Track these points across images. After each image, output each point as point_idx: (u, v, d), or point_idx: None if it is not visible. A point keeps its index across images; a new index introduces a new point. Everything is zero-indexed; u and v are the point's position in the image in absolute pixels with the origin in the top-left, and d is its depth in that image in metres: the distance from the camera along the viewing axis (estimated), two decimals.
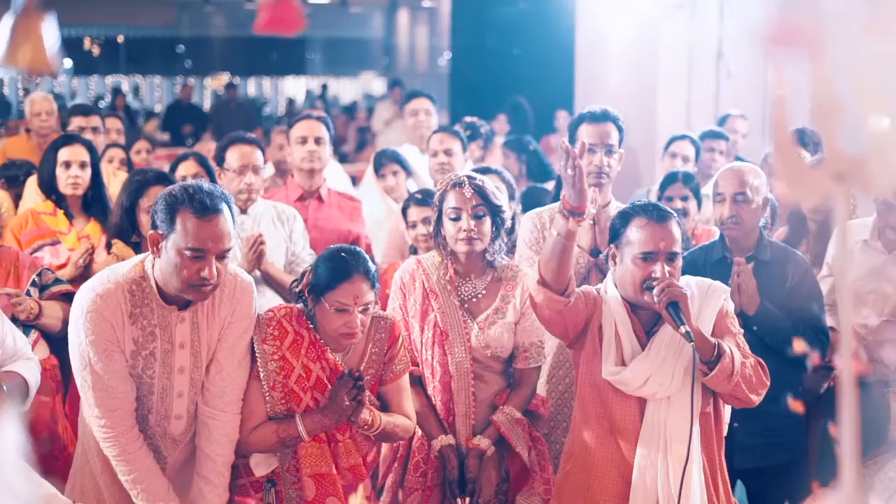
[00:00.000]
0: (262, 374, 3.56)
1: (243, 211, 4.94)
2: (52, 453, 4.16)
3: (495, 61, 15.22)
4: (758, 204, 4.26)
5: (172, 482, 3.50)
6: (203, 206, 3.24)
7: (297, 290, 3.67)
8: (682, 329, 3.31)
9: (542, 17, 13.50)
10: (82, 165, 5.16)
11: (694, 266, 4.28)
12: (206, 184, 3.37)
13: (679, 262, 3.50)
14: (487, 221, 3.92)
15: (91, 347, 3.30)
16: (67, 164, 5.14)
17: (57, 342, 4.27)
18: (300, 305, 3.66)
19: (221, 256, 3.30)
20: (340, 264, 3.53)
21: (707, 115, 9.54)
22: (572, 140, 4.32)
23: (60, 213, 5.13)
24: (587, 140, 4.26)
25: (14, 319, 4.20)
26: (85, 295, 3.34)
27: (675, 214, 3.57)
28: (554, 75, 12.92)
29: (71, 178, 5.13)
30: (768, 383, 3.49)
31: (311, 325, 3.61)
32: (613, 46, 11.10)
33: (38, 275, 4.33)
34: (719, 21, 9.53)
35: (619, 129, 4.35)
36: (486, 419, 3.93)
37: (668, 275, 3.41)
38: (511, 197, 4.94)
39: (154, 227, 3.33)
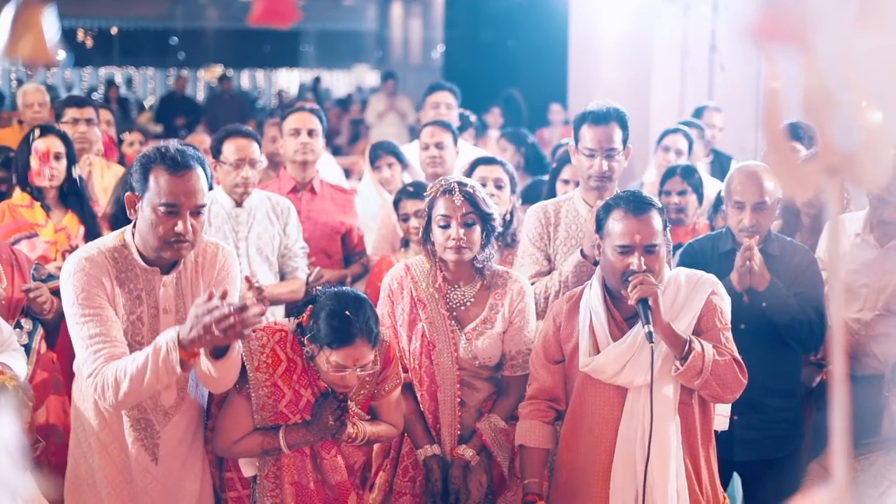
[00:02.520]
0: (252, 396, 3.55)
1: (239, 204, 4.93)
2: (66, 444, 4.16)
3: (489, 54, 15.22)
4: (773, 206, 4.26)
5: (164, 466, 3.49)
6: (175, 162, 3.31)
7: (296, 321, 3.61)
8: (646, 329, 3.35)
9: (536, 9, 13.49)
10: (57, 157, 5.09)
11: (702, 255, 4.29)
12: (178, 144, 3.43)
13: (661, 253, 3.51)
14: (477, 229, 3.83)
15: (84, 304, 3.31)
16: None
17: (54, 336, 4.28)
18: (294, 327, 3.60)
19: (196, 213, 3.34)
20: (344, 327, 3.42)
21: None
22: (577, 138, 4.23)
23: (37, 205, 5.06)
24: (588, 145, 4.16)
25: (26, 313, 4.20)
26: (71, 260, 3.39)
27: (657, 205, 3.57)
28: (548, 68, 12.92)
29: (46, 170, 5.09)
30: (745, 382, 3.49)
31: (304, 351, 3.57)
32: (607, 40, 11.09)
33: (34, 269, 4.33)
34: (713, 14, 9.54)
35: (624, 128, 4.19)
36: (473, 424, 3.90)
37: (644, 266, 3.43)
38: (512, 190, 4.90)
39: (131, 189, 3.38)
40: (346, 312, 3.43)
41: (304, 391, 3.57)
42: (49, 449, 4.21)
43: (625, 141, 4.21)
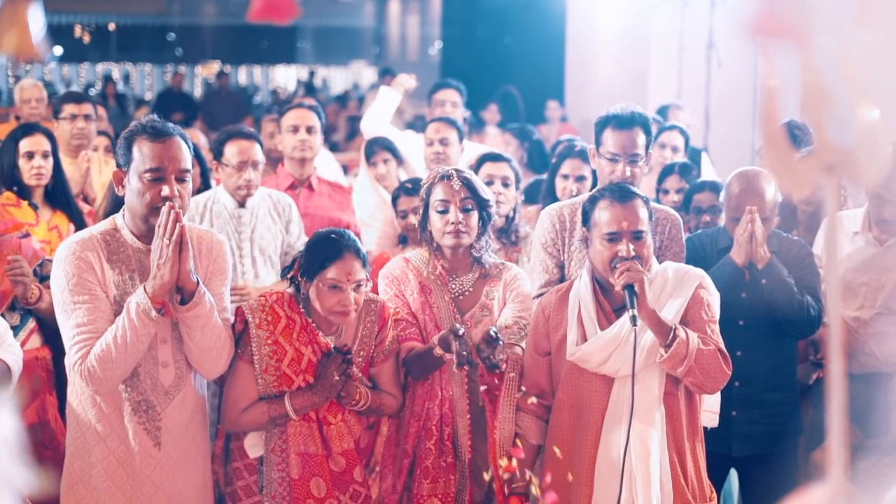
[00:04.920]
0: (255, 358, 3.63)
1: (241, 204, 4.92)
2: (43, 442, 4.15)
3: (486, 51, 15.22)
4: (772, 214, 4.24)
5: (167, 453, 3.50)
6: (156, 129, 3.42)
7: (288, 276, 3.75)
8: (630, 312, 3.37)
9: (533, 6, 13.49)
10: (44, 155, 5.03)
11: (702, 250, 4.31)
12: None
13: (647, 240, 3.54)
14: (475, 215, 3.83)
15: (73, 291, 3.36)
16: (30, 155, 5.00)
17: (50, 333, 4.26)
18: (291, 290, 3.72)
19: (181, 180, 3.42)
20: (331, 244, 3.61)
21: (697, 106, 9.54)
22: (598, 142, 4.13)
23: (25, 204, 4.97)
24: (611, 149, 4.06)
25: (13, 306, 4.19)
26: (63, 245, 3.46)
27: (641, 195, 3.60)
28: (545, 65, 12.93)
29: (34, 169, 4.99)
30: (729, 373, 3.51)
31: (302, 310, 3.67)
32: (604, 36, 11.11)
33: (40, 265, 4.30)
34: (710, 11, 9.55)
35: (647, 133, 4.10)
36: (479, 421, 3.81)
37: (633, 252, 3.47)
38: (516, 187, 4.88)
39: (118, 166, 3.47)
40: (332, 235, 3.66)
41: (304, 349, 3.65)
42: (28, 447, 4.18)
43: (647, 146, 4.12)
